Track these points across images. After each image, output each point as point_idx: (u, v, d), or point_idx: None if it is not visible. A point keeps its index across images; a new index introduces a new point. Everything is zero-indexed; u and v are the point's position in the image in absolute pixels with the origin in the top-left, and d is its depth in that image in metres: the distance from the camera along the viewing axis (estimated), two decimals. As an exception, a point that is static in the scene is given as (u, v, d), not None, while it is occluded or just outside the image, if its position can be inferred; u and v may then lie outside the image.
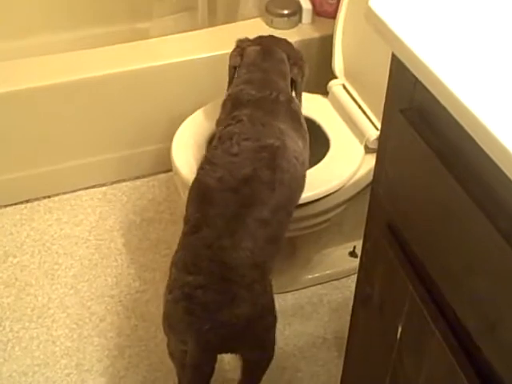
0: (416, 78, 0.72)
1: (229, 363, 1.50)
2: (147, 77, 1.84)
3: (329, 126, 1.54)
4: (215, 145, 1.28)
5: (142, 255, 1.78)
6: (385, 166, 0.90)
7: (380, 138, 0.92)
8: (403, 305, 0.82)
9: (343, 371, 1.24)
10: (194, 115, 1.58)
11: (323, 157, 1.47)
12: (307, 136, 1.36)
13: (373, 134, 1.47)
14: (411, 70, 0.72)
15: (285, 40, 1.50)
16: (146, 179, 2.00)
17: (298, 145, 1.30)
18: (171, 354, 1.27)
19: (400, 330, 0.84)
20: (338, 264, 1.73)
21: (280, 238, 1.23)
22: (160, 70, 1.84)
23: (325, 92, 1.65)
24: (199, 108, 1.62)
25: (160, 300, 1.66)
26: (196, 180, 1.24)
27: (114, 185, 1.98)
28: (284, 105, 1.35)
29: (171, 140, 1.55)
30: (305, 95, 1.64)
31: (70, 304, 1.66)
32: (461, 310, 0.74)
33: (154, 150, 1.95)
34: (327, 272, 1.72)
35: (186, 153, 1.47)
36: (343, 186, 1.42)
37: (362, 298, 1.02)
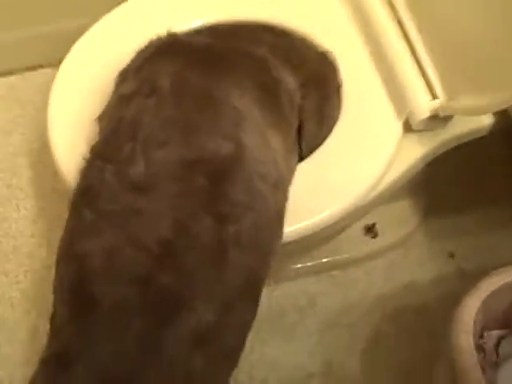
0: None
1: None
2: None
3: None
4: (101, 152, 0.63)
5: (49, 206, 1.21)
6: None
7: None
8: None
9: None
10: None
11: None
12: (294, 127, 0.70)
13: (423, 103, 0.76)
14: None
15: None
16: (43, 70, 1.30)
17: (268, 146, 0.65)
18: None
19: None
20: (347, 245, 1.13)
21: (238, 354, 0.67)
22: None
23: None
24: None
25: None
26: (63, 246, 0.62)
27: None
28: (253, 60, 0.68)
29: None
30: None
31: None
32: None
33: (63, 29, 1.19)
34: (327, 258, 1.13)
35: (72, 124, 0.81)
36: (360, 203, 0.76)
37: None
